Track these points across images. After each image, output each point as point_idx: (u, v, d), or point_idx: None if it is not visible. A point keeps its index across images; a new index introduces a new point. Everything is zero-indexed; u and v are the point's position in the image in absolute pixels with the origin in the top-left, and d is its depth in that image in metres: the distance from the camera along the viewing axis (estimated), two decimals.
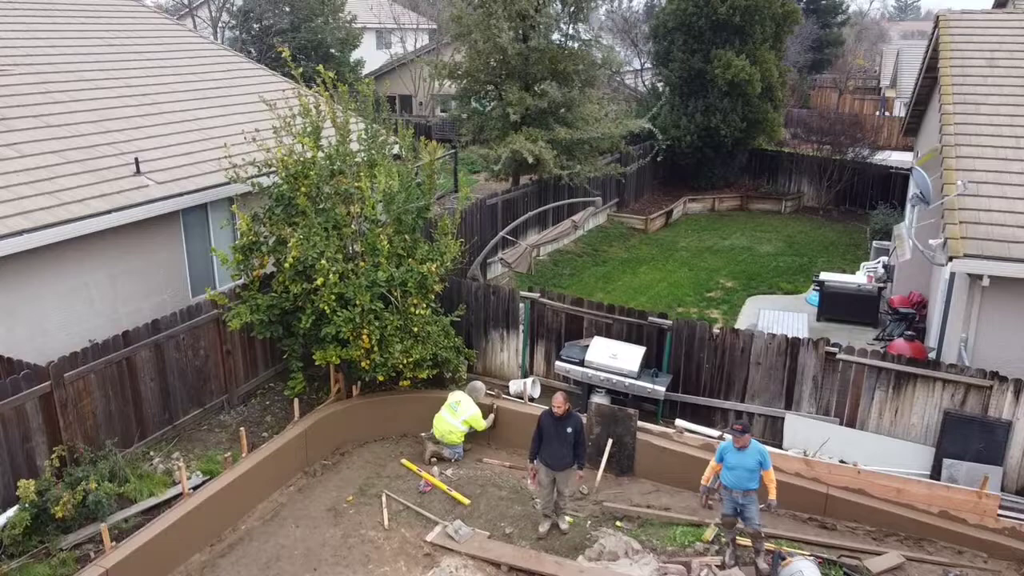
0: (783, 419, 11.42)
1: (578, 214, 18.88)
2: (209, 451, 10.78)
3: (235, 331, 11.18)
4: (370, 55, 42.33)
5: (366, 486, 10.61)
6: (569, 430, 9.39)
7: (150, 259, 11.92)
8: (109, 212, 10.75)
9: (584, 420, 10.43)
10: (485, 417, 11.29)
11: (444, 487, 10.50)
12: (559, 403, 9.30)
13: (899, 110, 41.53)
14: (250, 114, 14.79)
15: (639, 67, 29.62)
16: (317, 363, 11.10)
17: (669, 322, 11.73)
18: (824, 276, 16.96)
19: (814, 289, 17.34)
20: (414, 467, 10.97)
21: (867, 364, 10.91)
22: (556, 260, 19.75)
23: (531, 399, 11.93)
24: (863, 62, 60.13)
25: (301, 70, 11.82)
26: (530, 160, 17.33)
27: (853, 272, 18.78)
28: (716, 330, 11.57)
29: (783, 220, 25.74)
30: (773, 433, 11.56)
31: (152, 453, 10.49)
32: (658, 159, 21.30)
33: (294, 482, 10.69)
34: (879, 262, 18.62)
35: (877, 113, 42.13)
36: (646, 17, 39.95)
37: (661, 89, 26.43)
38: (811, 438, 11.14)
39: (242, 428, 10.19)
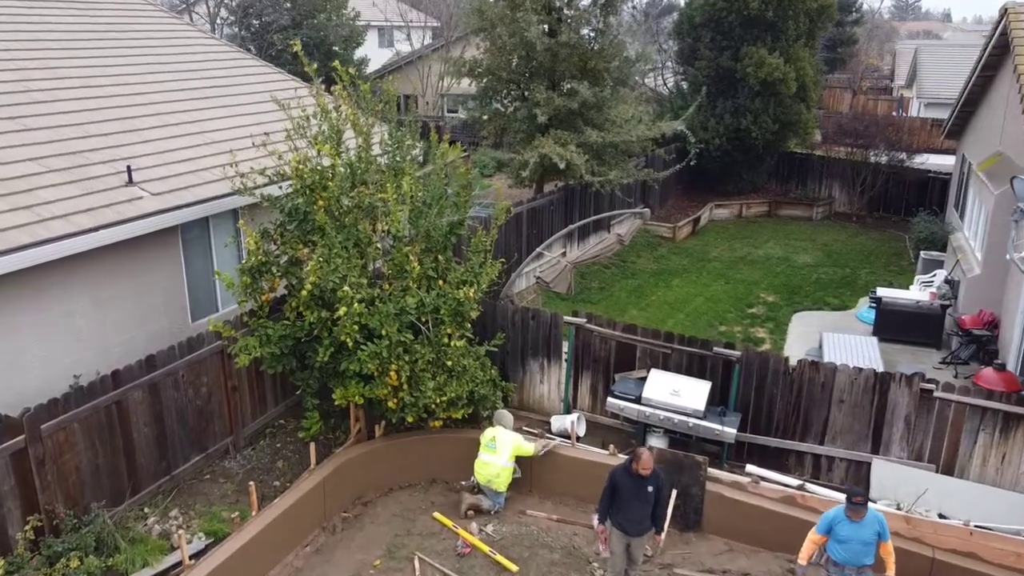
0: (868, 464, 10.02)
1: (623, 227, 17.40)
2: (213, 506, 9.33)
3: (244, 366, 9.71)
4: (372, 53, 40.88)
5: (395, 546, 9.17)
6: (650, 488, 7.94)
7: (144, 282, 10.46)
8: (96, 229, 9.28)
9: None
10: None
11: (486, 548, 9.06)
12: (647, 464, 7.80)
13: (917, 110, 40.20)
14: (257, 115, 13.37)
15: (659, 66, 28.17)
16: (337, 403, 9.66)
17: (737, 353, 10.31)
18: (881, 292, 15.57)
19: (870, 305, 15.95)
20: (449, 522, 9.53)
21: (969, 403, 9.51)
22: (583, 272, 18.30)
23: (578, 438, 10.49)
24: (875, 61, 58.81)
25: (316, 66, 10.35)
26: (561, 165, 15.88)
27: (903, 286, 17.44)
28: (793, 363, 10.15)
29: (815, 227, 24.35)
30: (856, 480, 10.14)
31: (147, 510, 9.02)
32: (691, 163, 19.90)
33: (311, 540, 9.24)
34: (934, 275, 17.24)
35: (894, 114, 40.79)
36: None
37: (686, 89, 24.99)
38: (902, 487, 9.73)
39: (251, 483, 8.73)
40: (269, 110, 13.43)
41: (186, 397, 9.55)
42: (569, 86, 16.91)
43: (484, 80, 18.10)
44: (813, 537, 7.54)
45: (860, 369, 9.88)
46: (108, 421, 8.54)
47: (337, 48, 33.30)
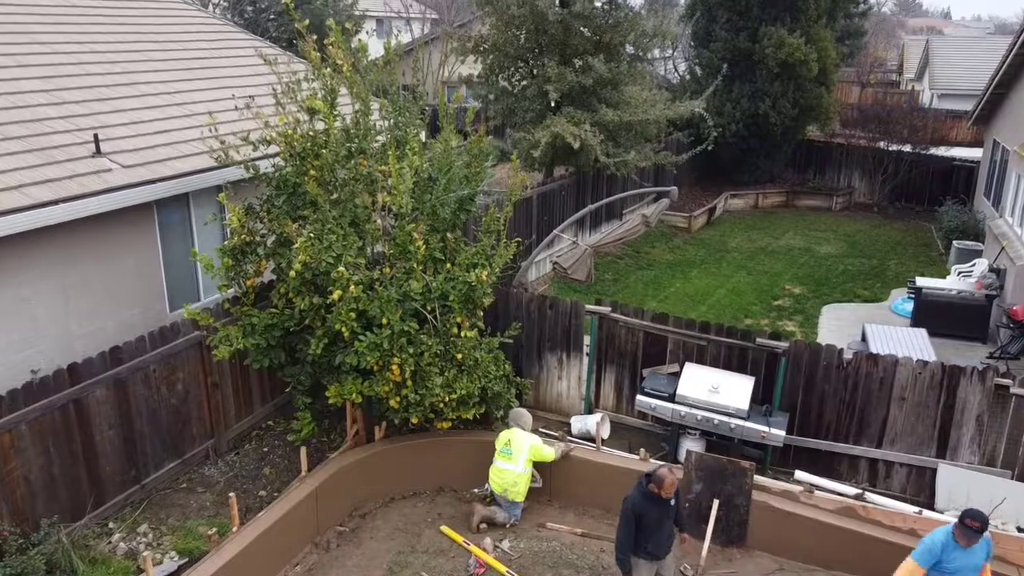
0: (933, 470, 8.87)
1: (649, 208, 16.22)
2: (189, 520, 8.14)
3: (223, 359, 8.53)
4: (370, 43, 39.72)
5: (397, 566, 8.00)
6: (672, 502, 6.93)
7: (115, 265, 9.28)
8: (55, 203, 8.09)
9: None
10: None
11: (503, 568, 7.88)
12: (672, 486, 6.71)
13: (929, 102, 39.13)
14: (244, 88, 12.17)
15: (669, 55, 26.98)
16: (331, 402, 8.48)
17: (784, 345, 9.15)
18: (921, 282, 14.44)
19: (908, 295, 14.82)
20: (459, 538, 8.36)
21: None
22: (595, 263, 17.12)
23: (603, 441, 9.32)
24: (883, 54, 57.69)
25: (307, 22, 9.15)
26: (575, 145, 14.69)
27: (938, 277, 16.30)
28: (848, 355, 8.98)
29: (835, 218, 23.22)
30: (918, 488, 9.00)
31: (112, 525, 7.85)
32: (709, 148, 18.76)
33: (301, 559, 8.07)
34: (973, 264, 16.09)
35: (904, 106, 39.67)
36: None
37: (700, 74, 23.78)
38: (973, 496, 8.56)
39: (232, 494, 7.54)
40: (257, 84, 12.30)
41: (159, 395, 8.37)
42: (581, 62, 15.73)
43: (490, 57, 16.91)
44: (912, 567, 6.25)
45: (925, 362, 8.73)
46: (64, 422, 7.36)
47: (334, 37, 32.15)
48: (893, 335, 11.51)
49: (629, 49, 16.75)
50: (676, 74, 26.44)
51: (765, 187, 24.58)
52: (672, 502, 6.93)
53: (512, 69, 17.11)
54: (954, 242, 18.42)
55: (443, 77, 31.16)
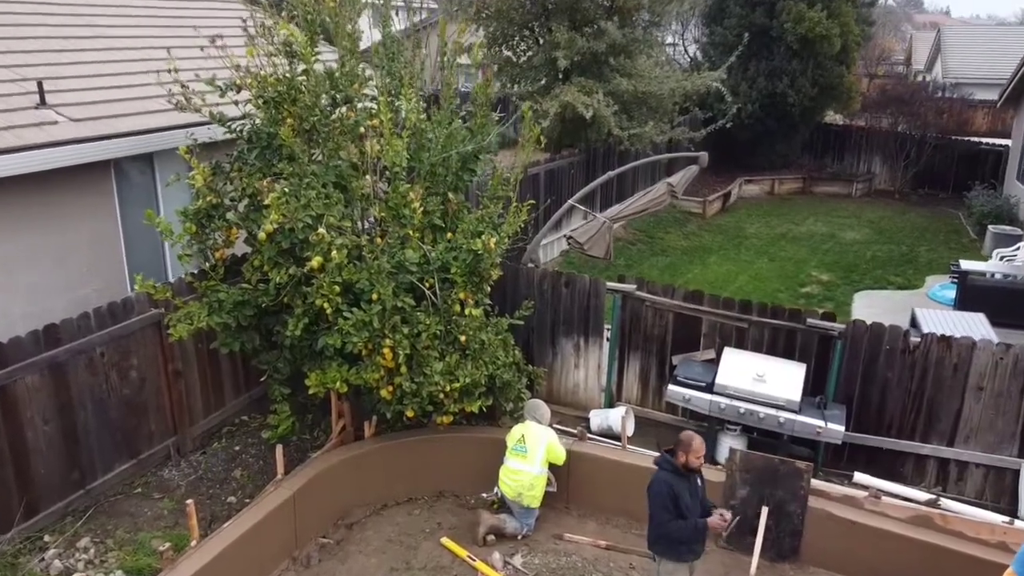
0: (1016, 472, 7.63)
1: (675, 176, 14.98)
2: (141, 532, 6.87)
3: (185, 340, 7.27)
4: (366, 33, 38.56)
5: None
6: (700, 482, 5.86)
7: (66, 235, 8.03)
8: None
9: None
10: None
11: None
12: (701, 446, 5.63)
13: (941, 93, 38.03)
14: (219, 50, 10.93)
15: (678, 41, 25.78)
16: (312, 391, 7.20)
17: (840, 326, 7.91)
18: (966, 265, 13.22)
19: (951, 279, 13.60)
20: (462, 551, 7.10)
21: None
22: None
23: (628, 439, 8.06)
24: (891, 45, 56.49)
25: None
26: (587, 115, 13.44)
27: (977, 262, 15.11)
28: (915, 339, 7.73)
29: (857, 204, 22.03)
30: (997, 492, 7.78)
31: (47, 538, 6.58)
32: (728, 125, 17.52)
33: None
34: (1017, 248, 14.88)
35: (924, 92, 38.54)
36: None
37: (712, 54, 22.51)
38: None
39: (190, 501, 6.27)
40: (235, 44, 11.07)
41: (108, 384, 7.10)
42: (592, 29, 14.47)
43: (492, 25, 15.64)
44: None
45: (1007, 345, 7.49)
46: None
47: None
48: (949, 320, 10.26)
49: (644, 16, 15.52)
50: (687, 56, 25.17)
51: (781, 173, 23.38)
52: (700, 482, 5.84)
53: (517, 38, 15.87)
54: (989, 227, 17.30)
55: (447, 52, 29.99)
